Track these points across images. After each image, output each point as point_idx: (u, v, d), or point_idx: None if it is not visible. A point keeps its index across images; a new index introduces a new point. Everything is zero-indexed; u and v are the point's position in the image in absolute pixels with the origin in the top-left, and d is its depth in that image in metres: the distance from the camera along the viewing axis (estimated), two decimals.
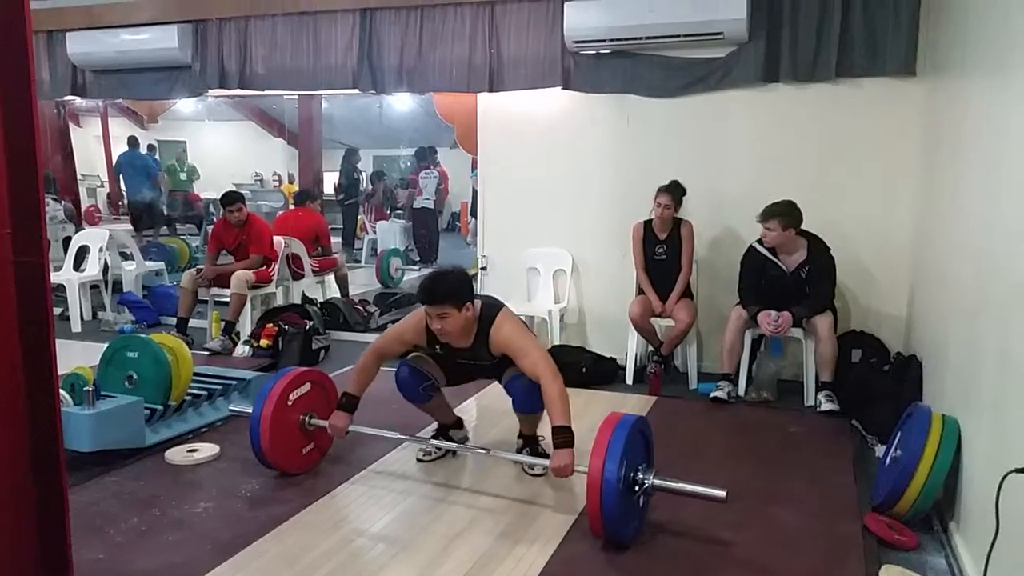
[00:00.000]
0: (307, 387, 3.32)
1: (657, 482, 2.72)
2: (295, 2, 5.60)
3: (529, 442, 3.41)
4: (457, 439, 3.51)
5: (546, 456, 3.30)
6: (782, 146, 4.72)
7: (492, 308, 3.10)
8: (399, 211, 11.20)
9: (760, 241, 4.29)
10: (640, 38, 4.75)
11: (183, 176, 11.53)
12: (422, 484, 3.21)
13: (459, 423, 3.58)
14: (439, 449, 3.43)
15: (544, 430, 3.18)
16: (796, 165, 4.69)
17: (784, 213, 4.14)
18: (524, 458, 3.28)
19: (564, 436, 2.82)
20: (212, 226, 6.30)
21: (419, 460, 3.41)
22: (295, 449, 3.27)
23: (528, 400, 3.14)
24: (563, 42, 4.95)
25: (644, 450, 2.80)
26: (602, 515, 2.55)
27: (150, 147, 10.98)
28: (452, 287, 2.95)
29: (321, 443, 3.39)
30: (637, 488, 2.69)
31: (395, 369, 3.33)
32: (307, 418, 3.28)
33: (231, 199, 5.74)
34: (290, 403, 3.23)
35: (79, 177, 9.66)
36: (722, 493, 2.66)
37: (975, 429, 2.63)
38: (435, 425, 3.56)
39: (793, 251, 4.23)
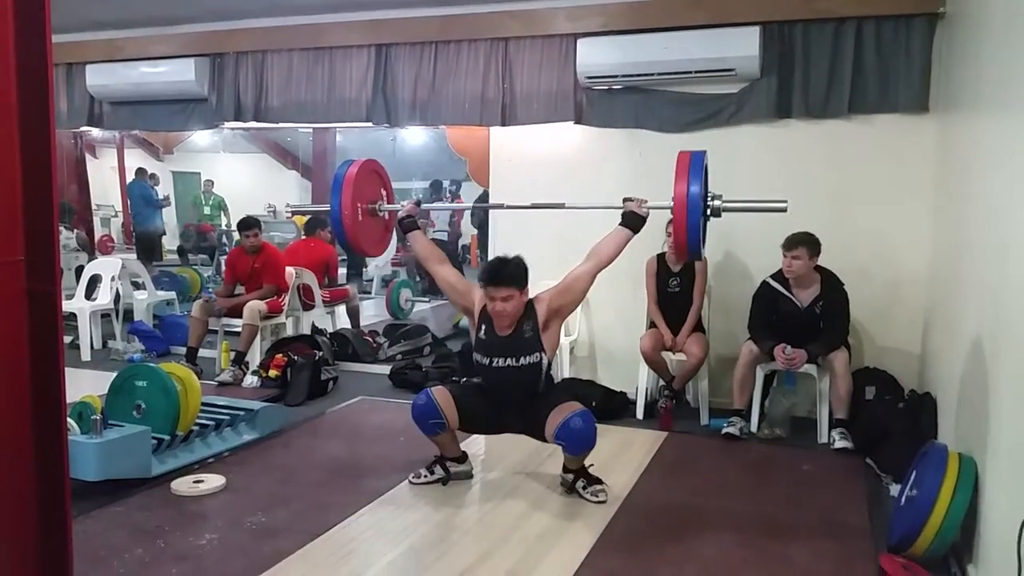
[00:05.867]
0: (368, 176, 3.65)
1: (725, 204, 3.18)
2: (311, 37, 5.68)
3: (580, 472, 3.37)
4: (454, 471, 3.52)
5: (600, 482, 3.35)
6: (794, 181, 4.71)
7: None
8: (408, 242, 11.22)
9: (774, 276, 4.27)
10: (653, 74, 4.79)
11: (207, 210, 11.58)
12: (430, 517, 3.17)
13: (462, 458, 3.57)
14: (432, 474, 3.49)
15: (592, 457, 3.37)
16: (808, 200, 4.64)
17: (810, 241, 4.14)
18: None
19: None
20: (226, 256, 6.34)
21: (410, 482, 3.47)
22: (372, 233, 3.66)
23: (581, 443, 3.23)
24: (576, 77, 4.99)
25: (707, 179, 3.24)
26: (687, 232, 3.05)
27: (151, 176, 11.06)
28: (516, 270, 3.23)
29: (390, 226, 3.85)
30: (708, 208, 3.14)
31: (414, 397, 3.40)
32: (377, 206, 3.68)
33: (248, 224, 5.83)
34: (359, 207, 3.57)
35: (94, 207, 9.75)
36: (783, 204, 3.18)
37: (993, 469, 2.58)
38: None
39: (808, 285, 4.21)
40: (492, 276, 3.21)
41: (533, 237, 5.35)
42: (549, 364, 3.34)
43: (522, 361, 3.27)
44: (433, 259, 3.57)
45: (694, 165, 3.11)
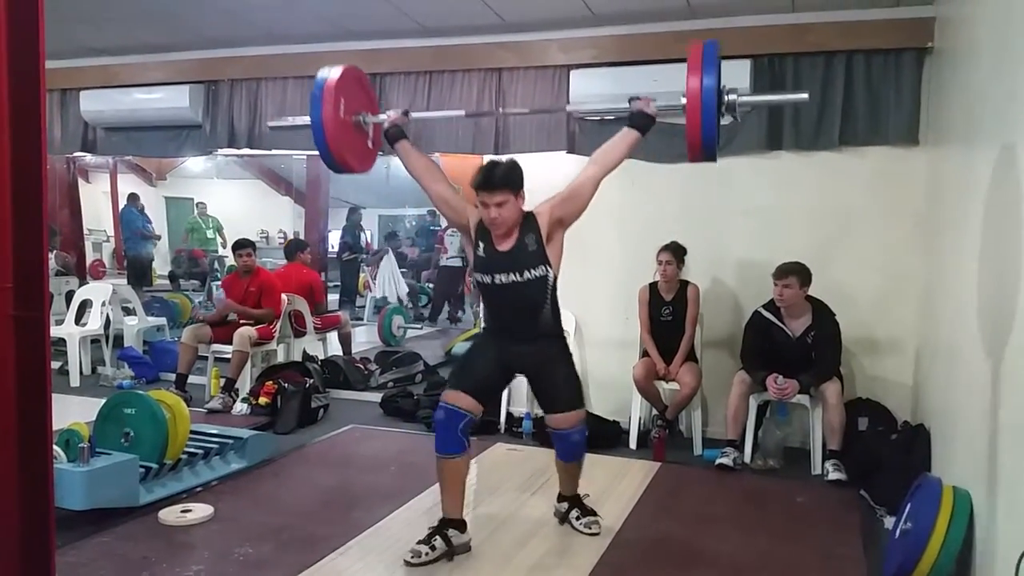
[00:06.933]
0: (349, 86, 3.26)
1: (742, 98, 2.95)
2: (306, 66, 5.69)
3: (575, 502, 3.34)
4: (456, 543, 3.02)
5: (595, 513, 3.30)
6: (785, 212, 4.74)
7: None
8: (403, 270, 11.22)
9: (766, 306, 4.28)
10: None
11: (209, 234, 11.58)
12: None
13: (463, 525, 3.09)
14: (433, 550, 2.96)
15: (586, 487, 3.36)
16: (799, 231, 4.70)
17: (801, 271, 4.16)
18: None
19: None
20: (219, 282, 6.35)
21: (407, 563, 2.93)
22: (357, 146, 3.30)
23: (571, 455, 3.22)
24: None
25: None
26: (703, 128, 2.80)
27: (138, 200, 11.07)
28: (509, 172, 2.98)
29: (376, 140, 3.42)
30: (724, 104, 2.90)
31: (433, 414, 3.28)
32: (361, 117, 3.29)
33: (242, 244, 5.88)
34: (341, 105, 3.17)
35: (86, 232, 9.73)
36: (804, 96, 3.15)
37: (989, 503, 2.56)
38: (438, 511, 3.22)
39: (800, 315, 4.22)
40: (484, 180, 2.93)
41: None
42: (555, 279, 3.07)
43: (527, 275, 2.99)
44: (426, 174, 3.20)
45: (707, 56, 2.82)
